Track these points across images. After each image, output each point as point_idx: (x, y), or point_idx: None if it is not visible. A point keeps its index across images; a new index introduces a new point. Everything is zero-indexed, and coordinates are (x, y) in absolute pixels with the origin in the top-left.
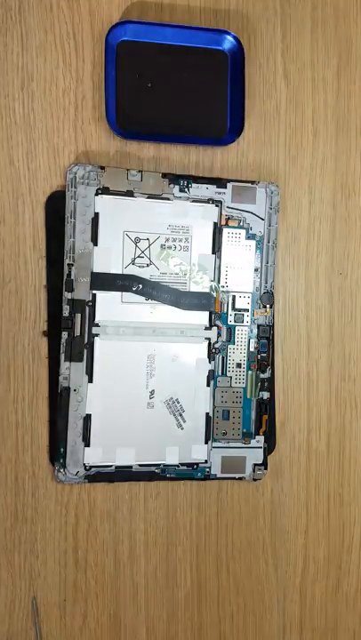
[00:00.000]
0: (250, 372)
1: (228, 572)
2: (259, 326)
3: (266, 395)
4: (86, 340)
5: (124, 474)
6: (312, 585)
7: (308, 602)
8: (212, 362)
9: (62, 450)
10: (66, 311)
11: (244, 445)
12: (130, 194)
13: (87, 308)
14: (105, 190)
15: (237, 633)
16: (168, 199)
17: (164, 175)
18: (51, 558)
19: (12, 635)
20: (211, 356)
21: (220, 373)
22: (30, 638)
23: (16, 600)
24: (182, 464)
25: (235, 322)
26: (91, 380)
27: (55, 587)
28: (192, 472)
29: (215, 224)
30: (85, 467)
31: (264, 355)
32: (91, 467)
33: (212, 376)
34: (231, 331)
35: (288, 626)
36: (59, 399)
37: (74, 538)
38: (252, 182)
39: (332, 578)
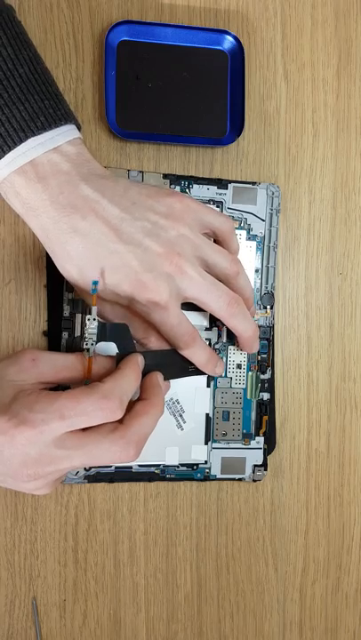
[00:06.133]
0: (250, 372)
1: (228, 572)
2: (259, 327)
3: (266, 396)
4: None
5: (123, 474)
6: (312, 585)
7: (308, 602)
8: None
9: None
10: (66, 311)
11: (243, 446)
12: None
13: (87, 309)
14: None
15: (237, 633)
16: None
17: (165, 176)
18: (51, 558)
19: (11, 634)
20: None
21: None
22: (30, 638)
23: (16, 600)
24: (182, 465)
25: None
26: None
27: (55, 586)
28: (192, 473)
29: None
30: (85, 467)
31: (264, 356)
32: (90, 467)
33: (212, 377)
34: (231, 332)
35: (288, 626)
36: None
37: (74, 538)
38: (253, 183)
39: (332, 578)
